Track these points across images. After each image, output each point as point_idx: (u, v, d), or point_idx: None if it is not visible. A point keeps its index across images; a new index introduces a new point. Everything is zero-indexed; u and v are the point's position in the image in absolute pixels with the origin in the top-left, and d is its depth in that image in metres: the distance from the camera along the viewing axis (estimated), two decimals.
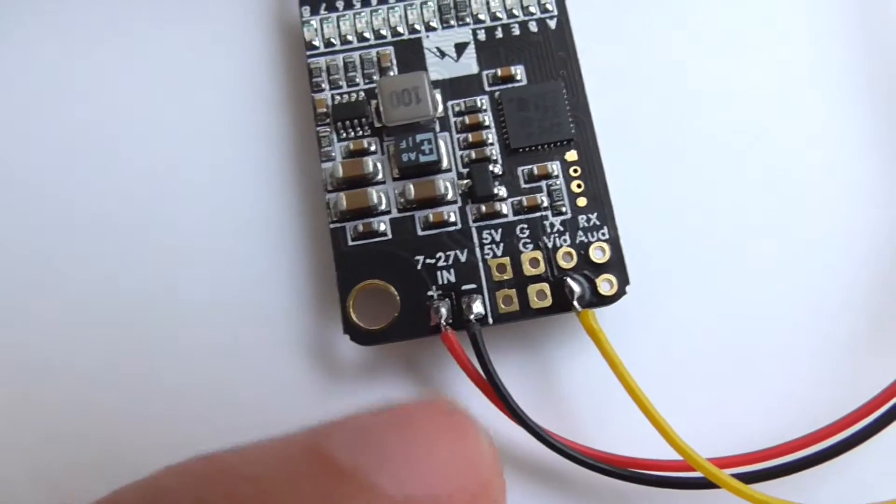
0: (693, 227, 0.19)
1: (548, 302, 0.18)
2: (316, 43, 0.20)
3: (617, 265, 0.18)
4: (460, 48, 0.20)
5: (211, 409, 0.18)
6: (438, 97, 0.19)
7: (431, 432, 0.11)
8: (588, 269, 0.18)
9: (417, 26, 0.20)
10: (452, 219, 0.19)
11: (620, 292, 0.18)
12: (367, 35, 0.20)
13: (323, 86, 0.20)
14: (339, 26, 0.20)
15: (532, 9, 0.20)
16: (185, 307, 0.19)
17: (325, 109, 0.19)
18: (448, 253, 0.18)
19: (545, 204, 0.19)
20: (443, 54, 0.20)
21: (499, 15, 0.20)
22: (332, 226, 0.19)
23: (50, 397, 0.19)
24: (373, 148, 0.19)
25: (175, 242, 0.19)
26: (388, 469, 0.11)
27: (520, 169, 0.19)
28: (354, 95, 0.19)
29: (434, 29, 0.20)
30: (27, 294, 0.19)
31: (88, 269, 0.19)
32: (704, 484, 0.16)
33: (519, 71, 0.19)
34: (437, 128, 0.19)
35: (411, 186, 0.18)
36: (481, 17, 0.20)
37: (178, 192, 0.20)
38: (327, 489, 0.11)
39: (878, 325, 0.19)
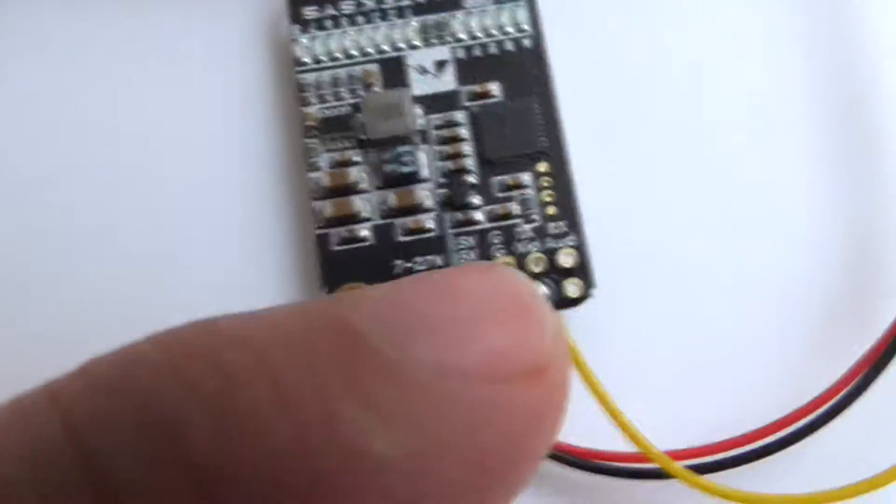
0: (659, 233, 0.21)
1: None
2: (305, 59, 0.21)
3: (583, 269, 0.20)
4: (440, 65, 0.21)
5: None
6: (419, 112, 0.21)
7: (484, 305, 0.09)
8: (556, 273, 0.20)
9: (401, 44, 0.21)
10: (430, 226, 0.20)
11: (585, 295, 0.19)
12: (353, 52, 0.21)
13: (311, 100, 0.21)
14: (327, 44, 0.21)
15: (509, 28, 0.21)
16: (171, 314, 0.20)
17: (313, 122, 0.21)
18: (426, 258, 0.20)
19: (517, 212, 0.20)
20: (424, 71, 0.21)
21: (477, 34, 0.21)
22: (317, 232, 0.20)
23: None
24: (357, 159, 0.20)
25: (164, 251, 0.21)
26: (425, 348, 0.09)
27: (494, 179, 0.20)
28: (341, 109, 0.21)
29: (417, 47, 0.21)
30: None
31: (73, 284, 0.21)
32: (660, 475, 0.17)
33: (495, 87, 0.21)
34: (418, 140, 0.20)
35: (393, 195, 0.20)
36: (461, 35, 0.21)
37: (167, 202, 0.21)
38: (349, 366, 0.09)
39: (832, 322, 0.20)
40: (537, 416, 0.10)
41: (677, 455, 0.18)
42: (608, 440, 0.18)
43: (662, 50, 0.22)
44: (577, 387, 0.18)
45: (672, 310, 0.20)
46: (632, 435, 0.18)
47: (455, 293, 0.09)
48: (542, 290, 0.19)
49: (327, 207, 0.20)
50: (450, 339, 0.09)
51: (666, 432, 0.18)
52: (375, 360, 0.09)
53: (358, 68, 0.21)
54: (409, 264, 0.20)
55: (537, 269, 0.20)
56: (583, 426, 0.19)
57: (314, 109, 0.21)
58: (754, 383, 0.19)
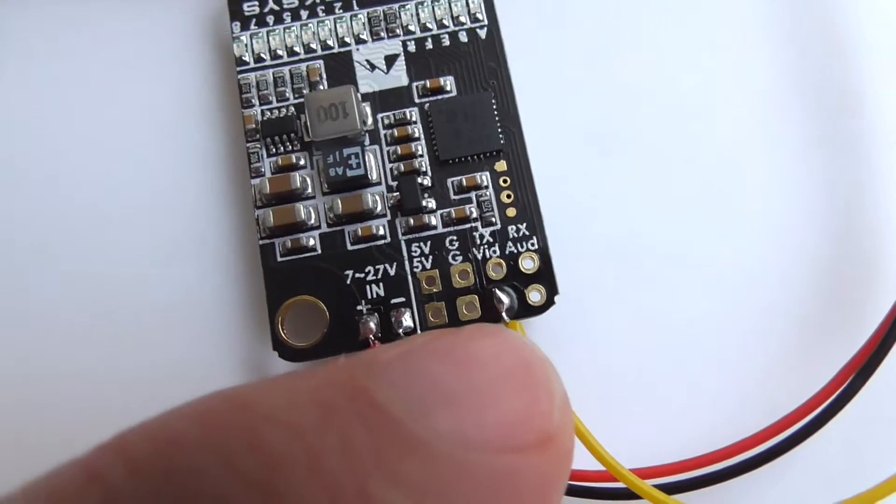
0: (624, 235, 0.19)
1: (476, 314, 0.18)
2: (246, 58, 0.20)
3: (546, 275, 0.18)
4: (390, 60, 0.20)
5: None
6: (368, 110, 0.19)
7: (497, 375, 0.10)
8: (518, 279, 0.18)
9: (347, 39, 0.20)
10: (381, 232, 0.19)
11: (549, 302, 0.18)
12: (296, 49, 0.20)
13: (253, 101, 0.20)
14: (268, 41, 0.20)
15: (462, 18, 0.20)
16: (114, 325, 0.19)
17: (254, 125, 0.19)
18: (377, 267, 0.18)
19: (475, 215, 0.19)
20: (373, 67, 0.20)
21: (429, 25, 0.20)
22: (261, 242, 0.19)
23: None
24: (302, 163, 0.19)
25: (103, 259, 0.19)
26: (446, 420, 0.09)
27: (449, 180, 0.19)
28: (284, 111, 0.19)
29: (364, 41, 0.20)
30: None
31: (11, 296, 0.19)
32: (627, 494, 0.16)
33: (448, 82, 0.19)
34: (367, 141, 0.19)
35: (339, 201, 0.18)
36: (411, 28, 0.20)
37: (106, 209, 0.20)
38: (376, 441, 0.09)
39: (805, 336, 0.19)
40: (548, 483, 0.10)
41: (646, 473, 0.16)
42: (575, 458, 0.17)
43: (626, 38, 0.21)
44: None
45: (640, 318, 0.19)
46: (597, 453, 0.16)
47: (469, 362, 0.10)
48: (502, 297, 0.18)
49: (270, 216, 0.18)
50: (468, 410, 0.09)
51: (634, 449, 0.17)
52: (400, 434, 0.09)
53: (302, 66, 0.20)
54: (360, 274, 0.18)
55: (497, 276, 0.18)
56: None
57: (255, 111, 0.19)
58: (729, 395, 0.18)
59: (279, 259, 0.18)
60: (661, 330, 0.19)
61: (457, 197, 0.19)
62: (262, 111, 0.19)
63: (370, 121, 0.19)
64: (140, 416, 0.18)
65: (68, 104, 0.21)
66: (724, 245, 0.19)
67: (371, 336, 0.18)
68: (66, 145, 0.20)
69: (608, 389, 0.18)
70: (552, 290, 0.18)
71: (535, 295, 0.18)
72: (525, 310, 0.18)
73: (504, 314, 0.18)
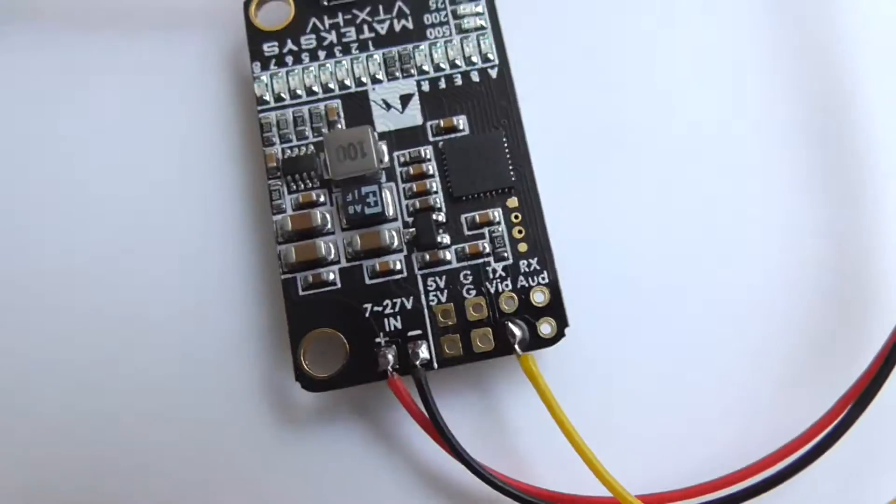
0: (631, 267, 0.20)
1: (490, 346, 0.19)
2: (266, 98, 0.20)
3: (556, 308, 0.19)
4: (405, 100, 0.21)
5: (173, 457, 0.19)
6: (384, 148, 0.20)
7: None
8: (529, 312, 0.19)
9: (364, 79, 0.21)
10: (398, 267, 0.19)
11: (559, 334, 0.19)
12: (315, 89, 0.21)
13: (273, 140, 0.20)
14: (288, 81, 0.21)
15: (474, 59, 0.21)
16: (144, 362, 0.20)
17: (275, 163, 0.20)
18: (395, 300, 0.19)
19: (487, 250, 0.19)
20: (388, 106, 0.20)
21: (442, 66, 0.21)
22: (283, 277, 0.19)
23: None
24: (322, 199, 0.20)
25: (131, 298, 0.20)
26: None
27: (463, 216, 0.20)
28: (304, 149, 0.20)
29: (380, 81, 0.21)
30: None
31: (42, 329, 0.20)
32: None
33: (461, 121, 0.20)
34: (383, 178, 0.20)
35: (357, 238, 0.19)
36: (425, 68, 0.21)
37: (132, 247, 0.20)
38: None
39: (808, 362, 0.19)
40: None
41: (653, 500, 0.17)
42: (581, 484, 0.18)
43: (634, 76, 0.21)
44: (549, 428, 0.18)
45: (647, 347, 0.19)
46: (604, 479, 0.17)
47: None
48: (515, 330, 0.19)
49: (292, 252, 0.19)
50: None
51: (642, 476, 0.18)
52: None
53: (320, 105, 0.20)
54: (378, 308, 0.19)
55: (509, 309, 0.19)
56: (555, 469, 0.18)
57: (276, 150, 0.20)
58: (733, 422, 0.19)
59: (301, 293, 0.19)
60: (666, 359, 0.19)
61: (470, 232, 0.20)
62: (283, 149, 0.20)
63: (386, 159, 0.20)
64: (168, 445, 0.19)
65: (92, 136, 0.21)
66: (726, 274, 0.20)
67: (389, 367, 0.19)
68: (89, 175, 0.21)
69: (616, 417, 0.19)
70: (562, 322, 0.19)
71: (545, 327, 0.19)
72: (536, 342, 0.19)
73: (516, 346, 0.19)
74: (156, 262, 0.20)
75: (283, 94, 0.20)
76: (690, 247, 0.20)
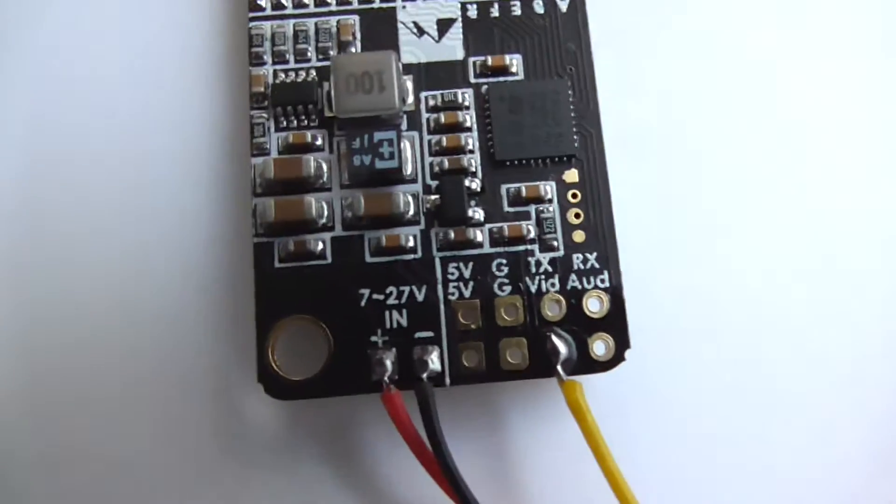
0: (713, 283, 0.16)
1: (523, 363, 0.14)
2: (261, 2, 0.16)
3: (616, 322, 0.14)
4: (444, 25, 0.16)
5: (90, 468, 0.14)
6: (409, 86, 0.15)
7: None
8: (579, 323, 0.14)
9: None
10: (411, 244, 0.15)
11: (618, 358, 0.14)
12: None
13: (264, 58, 0.15)
14: None
15: None
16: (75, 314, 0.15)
17: (262, 88, 0.15)
18: (402, 288, 0.14)
19: (532, 235, 0.15)
20: (421, 31, 0.16)
21: None
22: (255, 240, 0.15)
23: None
24: (319, 143, 0.15)
25: (65, 230, 0.15)
26: None
27: (504, 187, 0.15)
28: (303, 74, 0.15)
29: None
30: None
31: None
32: None
33: (515, 62, 0.16)
34: (404, 125, 0.15)
35: (362, 198, 0.14)
36: None
37: (82, 175, 0.16)
38: None
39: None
40: None
41: None
42: None
43: (733, 45, 0.17)
44: (587, 477, 0.14)
45: (719, 386, 0.15)
46: None
47: None
48: (559, 345, 0.14)
49: (271, 208, 0.14)
50: None
51: None
52: None
53: (331, 20, 0.16)
54: (379, 296, 0.14)
55: (553, 316, 0.14)
56: None
57: (266, 71, 0.15)
58: (801, 485, 0.15)
59: (277, 265, 0.15)
60: (741, 404, 0.15)
61: (512, 209, 0.15)
62: (275, 72, 0.15)
63: (411, 99, 0.15)
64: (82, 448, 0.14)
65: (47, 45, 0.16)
66: (832, 321, 0.16)
67: (386, 377, 0.14)
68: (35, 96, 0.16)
69: (675, 467, 0.15)
70: (623, 342, 0.14)
71: (599, 346, 0.14)
72: (585, 364, 0.14)
73: (559, 367, 0.14)
74: (91, 193, 0.15)
75: (283, 0, 0.16)
76: (793, 276, 0.16)
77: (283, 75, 0.15)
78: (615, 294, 0.15)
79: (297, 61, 0.15)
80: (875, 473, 0.15)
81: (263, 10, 0.16)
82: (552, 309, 0.15)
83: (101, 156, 0.16)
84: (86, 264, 0.15)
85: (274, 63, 0.15)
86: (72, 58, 0.16)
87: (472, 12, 0.16)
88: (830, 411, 0.15)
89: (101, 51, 0.16)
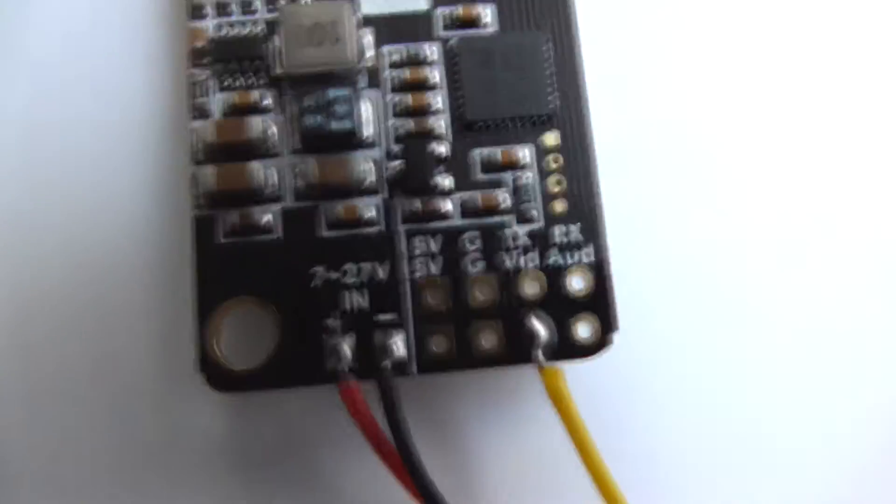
0: (705, 257, 0.15)
1: (498, 348, 0.13)
2: None
3: (601, 302, 0.13)
4: None
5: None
6: (369, 39, 0.14)
7: None
8: (561, 304, 0.13)
9: None
10: (372, 215, 0.13)
11: (603, 341, 0.13)
12: None
13: (205, 10, 0.14)
14: None
15: None
16: None
17: (202, 44, 0.14)
18: (361, 265, 0.13)
19: (508, 205, 0.13)
20: None
21: None
22: (195, 213, 0.13)
23: None
24: (267, 103, 0.14)
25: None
26: None
27: (476, 152, 0.13)
28: (248, 27, 0.14)
29: None
30: None
31: None
32: None
33: (488, 12, 0.14)
34: (364, 83, 0.14)
35: (315, 164, 0.13)
36: None
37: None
38: None
39: None
40: None
41: None
42: None
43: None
44: (569, 472, 0.13)
45: (714, 372, 0.14)
46: None
47: None
48: (538, 327, 0.12)
49: (212, 176, 0.13)
50: None
51: None
52: None
53: None
54: (335, 274, 0.13)
55: (532, 295, 0.13)
56: None
57: (207, 25, 0.14)
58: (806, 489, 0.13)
59: (220, 240, 0.13)
60: (738, 393, 0.14)
61: (485, 177, 0.13)
62: (218, 25, 0.14)
63: (370, 54, 0.14)
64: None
65: None
66: (832, 300, 0.14)
67: (344, 366, 0.12)
68: None
69: (663, 462, 0.13)
70: (608, 324, 0.13)
71: (583, 329, 0.13)
72: (568, 348, 0.13)
73: (538, 353, 0.12)
74: (8, 165, 0.14)
75: None
76: (789, 262, 0.15)
77: (228, 28, 0.14)
78: (600, 270, 0.13)
79: (242, 12, 0.14)
80: (871, 461, 0.14)
81: None
82: (531, 287, 0.13)
83: (18, 124, 0.14)
84: (6, 244, 0.14)
85: (217, 16, 0.14)
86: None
87: None
88: (827, 398, 0.14)
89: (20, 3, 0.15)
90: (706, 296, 0.14)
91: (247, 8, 0.14)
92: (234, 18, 0.14)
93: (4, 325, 0.14)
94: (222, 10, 0.14)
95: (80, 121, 0.14)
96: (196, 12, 0.14)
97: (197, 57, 0.14)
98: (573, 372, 0.13)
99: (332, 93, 0.13)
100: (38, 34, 0.14)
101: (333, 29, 0.13)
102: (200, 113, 0.13)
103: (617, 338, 0.13)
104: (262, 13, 0.14)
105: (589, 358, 0.13)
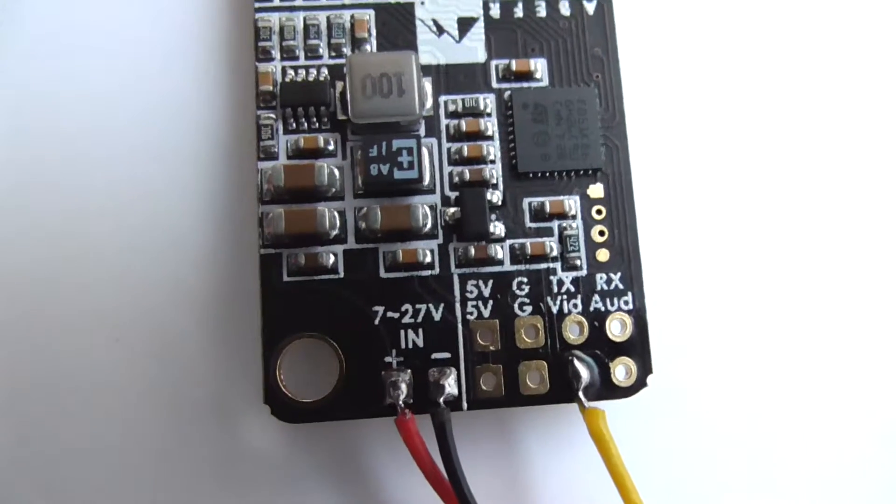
0: (737, 303, 0.15)
1: (543, 387, 0.14)
2: None
3: (639, 347, 0.14)
4: (465, 24, 0.15)
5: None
6: (428, 89, 0.14)
7: None
8: (602, 347, 0.14)
9: None
10: (429, 260, 0.14)
11: (640, 384, 0.14)
12: None
13: (272, 53, 0.14)
14: None
15: None
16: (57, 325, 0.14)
17: (270, 87, 0.14)
18: (418, 307, 0.14)
19: (555, 253, 0.14)
20: (441, 30, 0.15)
21: None
22: (262, 251, 0.14)
23: None
24: (332, 148, 0.14)
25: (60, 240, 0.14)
26: None
27: (527, 201, 0.14)
28: (314, 73, 0.14)
29: None
30: None
31: None
32: None
33: (539, 66, 0.15)
34: (422, 131, 0.14)
35: (378, 211, 0.13)
36: None
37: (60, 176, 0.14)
38: None
39: None
40: None
41: None
42: None
43: (786, 48, 0.16)
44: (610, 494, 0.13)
45: (746, 413, 0.15)
46: None
47: None
48: (580, 370, 0.13)
49: (280, 218, 0.13)
50: None
51: None
52: None
53: (344, 14, 0.14)
54: (394, 314, 0.13)
55: (575, 339, 0.14)
56: None
57: (274, 68, 0.14)
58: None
59: (286, 279, 0.13)
60: (769, 429, 0.15)
61: (534, 225, 0.14)
62: (284, 69, 0.14)
63: (430, 104, 0.14)
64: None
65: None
66: (867, 343, 0.15)
67: (400, 401, 0.13)
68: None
69: (695, 496, 0.14)
70: (645, 367, 0.14)
71: (620, 371, 0.14)
72: (607, 389, 0.14)
73: (581, 394, 0.13)
74: (86, 200, 0.14)
75: None
76: (825, 295, 0.15)
77: (292, 73, 0.14)
78: (639, 317, 0.14)
79: (307, 57, 0.14)
80: None
81: (271, 0, 0.14)
82: (573, 331, 0.14)
83: (94, 160, 0.14)
84: (82, 276, 0.14)
85: (283, 59, 0.14)
86: (65, 50, 0.15)
87: (495, 11, 0.15)
88: (863, 442, 0.15)
89: (96, 44, 0.15)
90: (738, 342, 0.15)
91: (312, 53, 0.14)
92: (299, 63, 0.14)
93: (84, 358, 0.14)
94: (288, 53, 0.14)
95: (152, 156, 0.14)
96: (263, 54, 0.14)
97: (264, 99, 0.14)
98: (610, 406, 0.14)
99: (398, 143, 0.13)
100: (108, 71, 0.15)
101: (399, 80, 0.14)
102: (267, 154, 0.14)
103: (651, 380, 0.14)
104: (326, 58, 0.14)
105: (626, 398, 0.14)
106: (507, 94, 0.14)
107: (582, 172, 0.14)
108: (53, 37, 0.15)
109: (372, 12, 0.15)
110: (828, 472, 0.14)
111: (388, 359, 0.13)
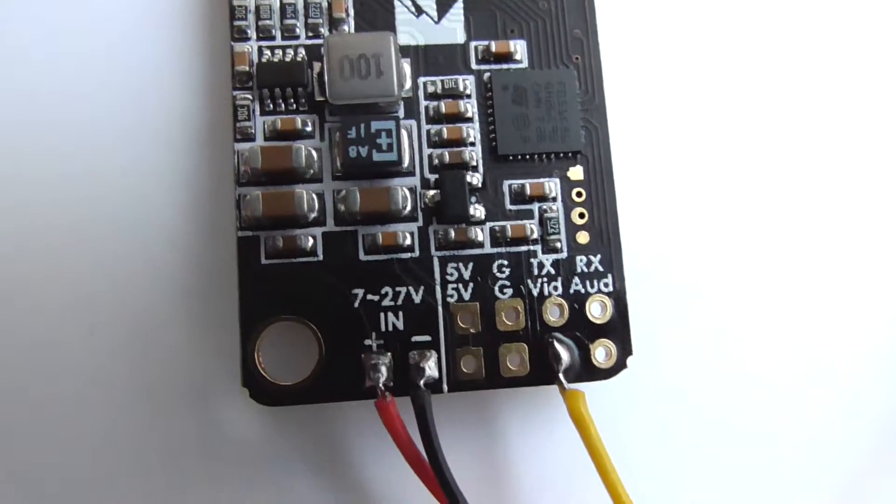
0: (717, 285, 0.15)
1: (524, 369, 0.14)
2: None
3: (619, 328, 0.14)
4: (444, 5, 0.15)
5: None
6: (407, 70, 0.14)
7: None
8: (582, 329, 0.14)
9: None
10: (409, 242, 0.14)
11: (619, 365, 0.14)
12: None
13: (248, 33, 0.14)
14: None
15: None
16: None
17: (246, 67, 0.14)
18: (398, 289, 0.14)
19: (535, 235, 0.14)
20: (419, 10, 0.15)
21: None
22: (240, 234, 0.13)
23: None
24: (310, 129, 0.14)
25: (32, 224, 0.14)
26: None
27: (507, 183, 0.14)
28: (291, 53, 0.14)
29: None
30: None
31: None
32: None
33: (519, 48, 0.14)
34: (401, 112, 0.14)
35: (358, 194, 0.13)
36: None
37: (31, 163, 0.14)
38: None
39: None
40: None
41: None
42: None
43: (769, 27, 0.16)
44: (591, 491, 0.13)
45: (723, 397, 0.15)
46: None
47: None
48: (561, 352, 0.13)
49: (258, 199, 0.13)
50: None
51: None
52: None
53: None
54: (373, 296, 0.13)
55: (555, 321, 0.14)
56: None
57: (250, 48, 0.14)
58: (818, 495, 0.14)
59: (264, 261, 0.13)
60: (747, 411, 0.15)
61: (514, 207, 0.14)
62: (261, 49, 0.14)
63: (409, 85, 0.14)
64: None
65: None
66: (843, 326, 0.15)
67: (381, 384, 0.13)
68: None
69: (676, 478, 0.14)
70: (625, 349, 0.14)
71: (600, 353, 0.14)
72: (587, 371, 0.14)
73: (561, 376, 0.13)
74: (57, 183, 0.14)
75: None
76: (806, 277, 0.15)
77: (269, 53, 0.14)
78: (619, 299, 0.14)
79: (284, 37, 0.14)
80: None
81: None
82: (554, 313, 0.14)
83: (66, 144, 0.14)
84: (55, 260, 0.14)
85: (259, 39, 0.14)
86: (33, 32, 0.14)
87: None
88: (833, 418, 0.15)
89: (66, 24, 0.14)
90: (718, 325, 0.15)
91: (289, 33, 0.14)
92: (276, 42, 0.14)
93: (57, 343, 0.14)
94: (264, 33, 0.14)
95: (125, 139, 0.14)
96: (238, 33, 0.14)
97: (240, 80, 0.14)
98: (590, 389, 0.14)
99: (376, 125, 0.13)
100: (79, 53, 0.14)
101: (377, 61, 0.14)
102: (244, 136, 0.14)
103: (631, 361, 0.14)
104: (303, 39, 0.14)
105: (606, 380, 0.14)
106: (486, 75, 0.14)
107: (562, 155, 0.14)
108: (21, 17, 0.14)
109: None
110: (807, 451, 0.15)
111: (367, 341, 0.13)
